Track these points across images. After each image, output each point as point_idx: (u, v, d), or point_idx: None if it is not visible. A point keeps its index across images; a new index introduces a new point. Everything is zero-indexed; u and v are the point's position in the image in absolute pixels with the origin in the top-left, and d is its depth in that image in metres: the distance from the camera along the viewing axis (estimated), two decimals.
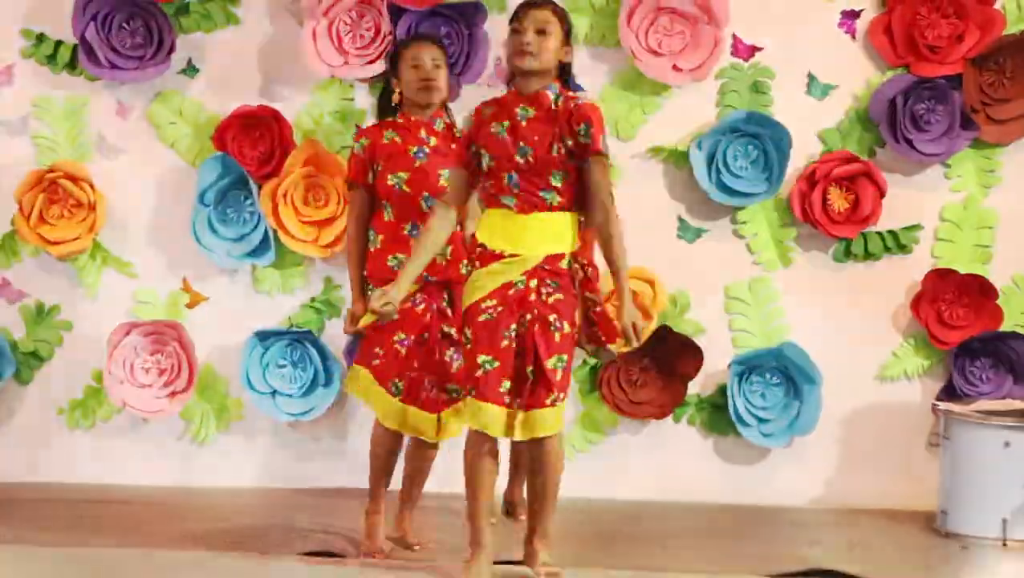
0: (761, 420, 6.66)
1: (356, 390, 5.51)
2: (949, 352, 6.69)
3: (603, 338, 5.14)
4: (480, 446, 5.05)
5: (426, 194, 5.43)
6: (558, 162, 5.03)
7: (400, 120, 5.55)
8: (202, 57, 6.71)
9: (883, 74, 6.68)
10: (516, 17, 5.07)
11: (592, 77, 6.71)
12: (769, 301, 6.74)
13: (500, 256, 5.03)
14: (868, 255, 6.73)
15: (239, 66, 6.70)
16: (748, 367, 6.64)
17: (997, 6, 6.60)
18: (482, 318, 5.00)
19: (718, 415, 6.72)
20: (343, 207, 6.63)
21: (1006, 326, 6.66)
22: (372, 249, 5.49)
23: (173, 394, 6.65)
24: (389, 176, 5.47)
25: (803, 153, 6.67)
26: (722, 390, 6.68)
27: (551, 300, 5.03)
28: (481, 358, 4.99)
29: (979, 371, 6.66)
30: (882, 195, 6.65)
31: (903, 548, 6.07)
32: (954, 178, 6.73)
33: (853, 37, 6.70)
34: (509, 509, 6.20)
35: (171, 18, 6.65)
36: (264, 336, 6.68)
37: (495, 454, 5.09)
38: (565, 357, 5.03)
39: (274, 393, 6.69)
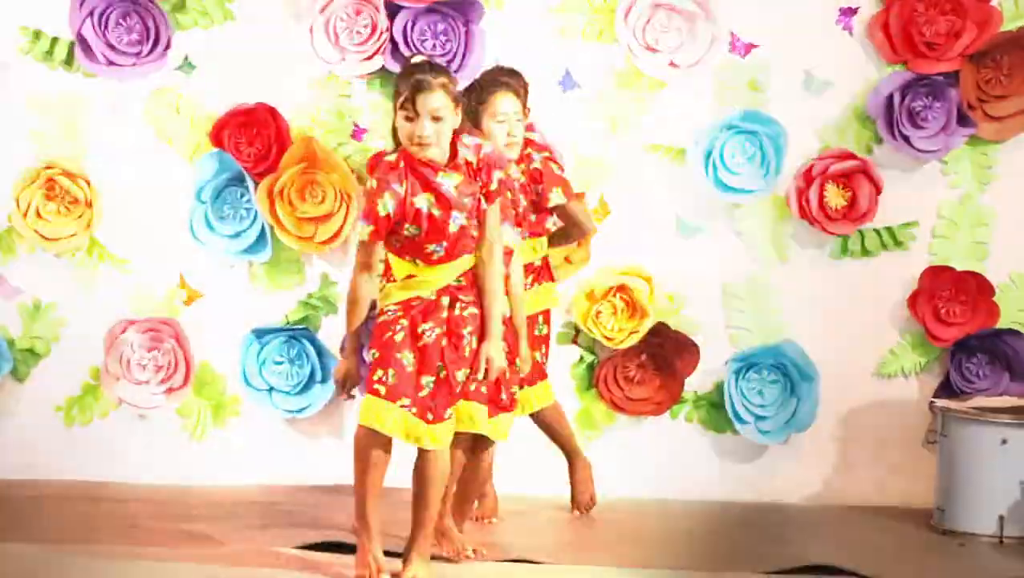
0: (758, 417, 6.66)
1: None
2: (946, 349, 6.69)
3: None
4: (375, 435, 5.05)
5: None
6: (477, 213, 5.06)
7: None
8: (199, 54, 6.70)
9: (880, 71, 6.68)
10: (407, 100, 4.94)
11: (589, 74, 6.71)
12: (766, 298, 6.73)
13: (413, 275, 5.07)
14: (865, 252, 6.73)
15: (236, 63, 6.70)
16: (745, 364, 6.64)
17: (994, 3, 6.60)
18: (381, 319, 5.06)
19: (715, 412, 6.72)
20: (340, 204, 6.63)
21: (1003, 323, 6.65)
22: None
23: (170, 391, 6.65)
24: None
25: (800, 150, 6.66)
26: (719, 387, 6.68)
27: (467, 313, 5.08)
28: (386, 357, 5.01)
29: (976, 368, 6.66)
30: (879, 192, 6.64)
31: (900, 545, 6.07)
32: (951, 175, 6.72)
33: (851, 34, 6.69)
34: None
35: (168, 15, 6.64)
36: (261, 333, 6.68)
37: (388, 448, 5.09)
38: (469, 372, 5.09)
39: (271, 390, 6.69)
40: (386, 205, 4.98)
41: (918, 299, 6.66)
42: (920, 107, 6.59)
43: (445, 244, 5.04)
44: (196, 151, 6.71)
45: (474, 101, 5.53)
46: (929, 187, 6.72)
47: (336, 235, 6.65)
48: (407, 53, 6.56)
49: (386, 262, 5.20)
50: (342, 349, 5.30)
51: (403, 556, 5.21)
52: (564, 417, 6.34)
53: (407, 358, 5.03)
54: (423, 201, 5.01)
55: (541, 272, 6.12)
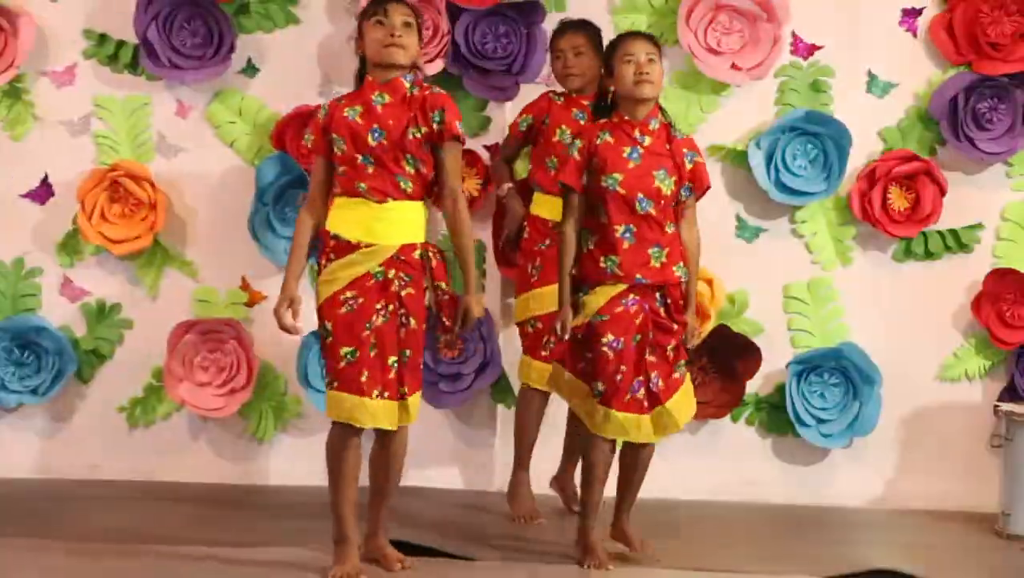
0: (820, 420, 6.63)
1: (556, 387, 5.55)
2: (1011, 353, 6.64)
3: (445, 323, 5.25)
4: (345, 439, 5.10)
5: (640, 196, 5.36)
6: (412, 147, 5.13)
7: (615, 120, 5.47)
8: (262, 57, 6.74)
9: (944, 72, 6.64)
10: (379, 7, 5.14)
11: None
12: (828, 301, 6.70)
13: (356, 246, 5.10)
14: (928, 254, 6.69)
15: (298, 66, 6.73)
16: (807, 367, 6.61)
17: None
18: (343, 310, 5.08)
19: (777, 415, 6.69)
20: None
21: None
22: (585, 250, 5.43)
23: (232, 392, 6.68)
24: (603, 177, 5.39)
25: (863, 152, 6.64)
26: (781, 390, 6.65)
27: (404, 293, 5.13)
28: (344, 350, 5.07)
29: None
30: (943, 194, 6.60)
31: (964, 550, 6.03)
32: (1016, 177, 6.68)
33: (914, 35, 6.66)
34: (566, 500, 6.22)
35: (231, 18, 6.68)
36: None
37: (359, 446, 5.14)
38: (408, 352, 5.14)
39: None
40: (323, 111, 5.22)
41: (982, 302, 6.61)
42: (985, 108, 6.54)
43: (371, 159, 5.11)
44: (258, 153, 6.74)
45: (608, 50, 5.53)
46: (993, 189, 6.67)
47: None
48: (468, 56, 6.58)
49: (323, 238, 5.18)
50: (284, 284, 5.24)
51: (370, 533, 5.26)
52: None
53: (371, 343, 5.08)
54: (351, 111, 5.16)
55: None
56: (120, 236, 6.69)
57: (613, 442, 5.46)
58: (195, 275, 6.81)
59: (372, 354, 5.09)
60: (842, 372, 6.61)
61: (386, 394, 5.11)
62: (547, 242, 6.08)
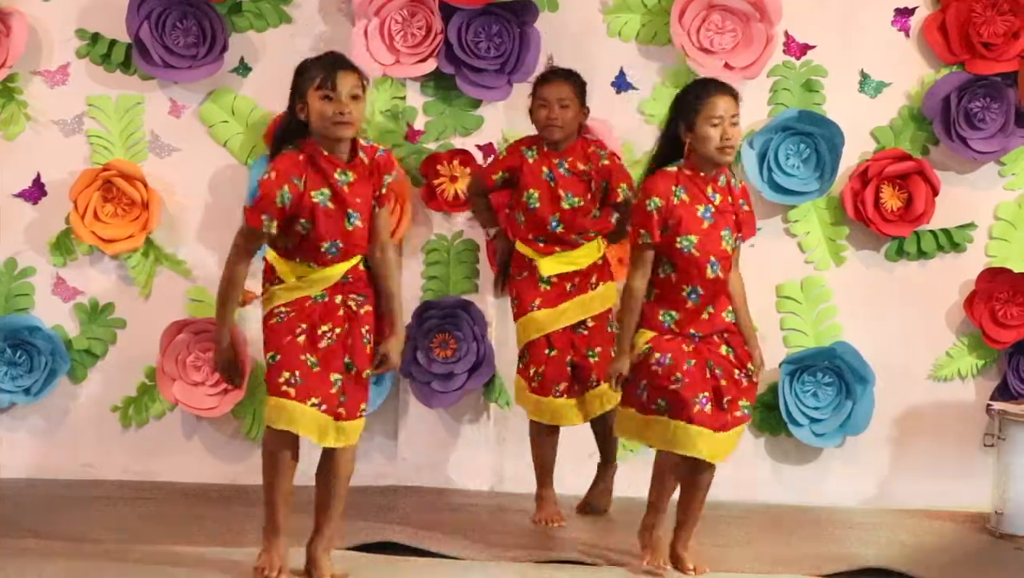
0: (813, 420, 6.63)
1: (625, 432, 5.47)
2: (1003, 352, 6.64)
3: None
4: (280, 441, 5.07)
5: (713, 259, 5.28)
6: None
7: (687, 172, 5.31)
8: (254, 56, 6.74)
9: (937, 72, 6.64)
10: (327, 79, 4.97)
11: (643, 75, 6.71)
12: (821, 300, 6.71)
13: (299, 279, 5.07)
14: (921, 254, 6.69)
15: (291, 65, 6.61)
16: (800, 366, 6.61)
17: None
18: (273, 321, 5.05)
19: (770, 415, 6.69)
20: (394, 205, 6.63)
21: None
22: (647, 299, 5.34)
23: (225, 392, 6.67)
24: (678, 238, 5.27)
25: (856, 151, 6.64)
26: (773, 390, 6.65)
27: (362, 311, 5.09)
28: (281, 358, 5.01)
29: None
30: (935, 193, 6.60)
31: (956, 549, 6.04)
32: (1009, 176, 6.69)
33: (907, 34, 6.66)
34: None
35: (224, 17, 6.68)
36: None
37: (295, 444, 5.10)
38: (369, 371, 5.12)
39: None
40: (283, 197, 4.98)
41: (975, 301, 6.62)
42: (977, 108, 6.55)
43: (340, 244, 5.03)
44: (251, 153, 6.74)
45: (689, 102, 5.31)
46: (986, 188, 6.68)
47: (391, 237, 6.65)
48: (461, 55, 6.58)
49: (266, 265, 5.15)
50: (215, 340, 5.19)
51: (311, 555, 5.19)
52: None
53: (310, 360, 5.03)
54: (320, 196, 5.01)
55: (603, 271, 6.15)
56: (113, 235, 6.69)
57: (684, 460, 5.35)
58: (188, 274, 6.80)
59: (315, 370, 5.02)
60: (835, 371, 6.61)
61: (323, 408, 5.03)
62: (524, 274, 6.13)
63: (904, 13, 6.66)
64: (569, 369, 6.12)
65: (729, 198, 5.36)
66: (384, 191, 5.12)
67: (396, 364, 5.17)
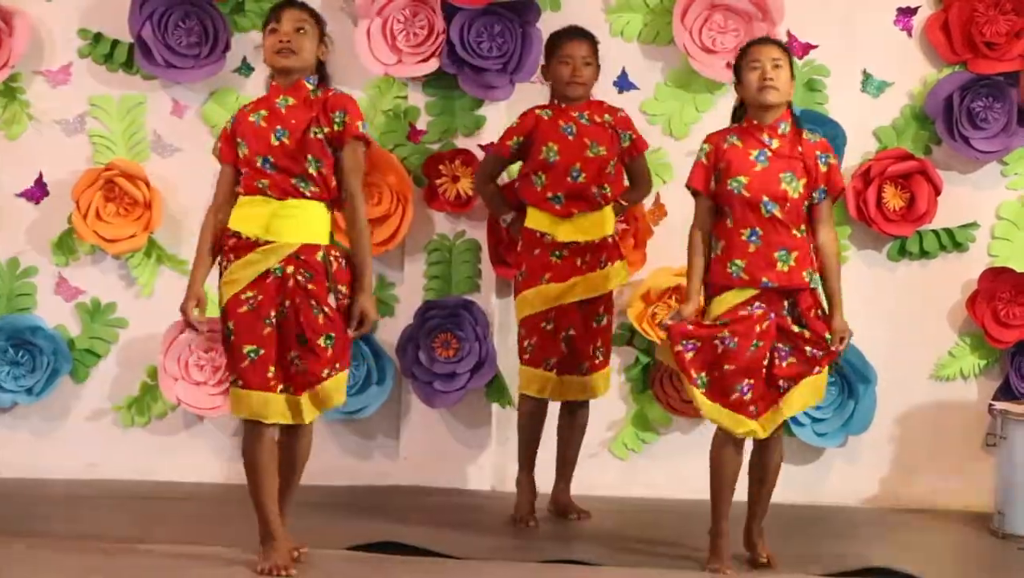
0: (815, 419, 6.63)
1: (663, 356, 5.51)
2: (1006, 351, 6.64)
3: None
4: (258, 437, 5.11)
5: (766, 198, 5.32)
6: (314, 147, 5.13)
7: (744, 124, 5.44)
8: (257, 56, 6.72)
9: (939, 71, 6.64)
10: (273, 16, 5.19)
11: (645, 75, 6.71)
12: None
13: (255, 244, 5.11)
14: (923, 253, 6.69)
15: None
16: None
17: None
18: (243, 309, 5.09)
19: None
20: (396, 205, 6.65)
21: None
22: (713, 256, 5.39)
23: (227, 391, 6.64)
24: (729, 181, 5.35)
25: (858, 151, 6.64)
26: None
27: (309, 287, 5.12)
28: (247, 348, 5.07)
29: None
30: (938, 193, 6.60)
31: (958, 549, 6.04)
32: (1011, 176, 6.68)
33: (909, 34, 6.66)
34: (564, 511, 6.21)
35: (226, 17, 6.69)
36: None
37: (272, 440, 5.14)
38: (333, 335, 5.13)
39: None
40: (230, 121, 5.25)
41: (977, 301, 6.61)
42: (980, 108, 6.54)
43: (271, 159, 5.11)
44: None
45: (737, 59, 5.47)
46: (989, 188, 6.68)
47: (393, 237, 6.66)
48: (464, 55, 6.58)
49: (224, 232, 5.18)
50: (190, 283, 5.27)
51: (264, 540, 5.21)
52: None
53: (272, 339, 5.08)
54: (256, 116, 5.18)
55: (613, 250, 6.16)
56: (115, 235, 6.70)
57: (739, 445, 5.40)
58: (190, 274, 6.79)
59: (262, 352, 5.08)
60: (837, 371, 6.61)
61: (291, 389, 5.11)
62: (536, 252, 6.10)
63: (906, 12, 6.66)
64: (563, 345, 6.09)
65: (799, 148, 5.38)
66: (338, 128, 5.16)
67: (373, 317, 5.20)
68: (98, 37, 6.76)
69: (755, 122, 5.40)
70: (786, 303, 5.36)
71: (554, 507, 6.27)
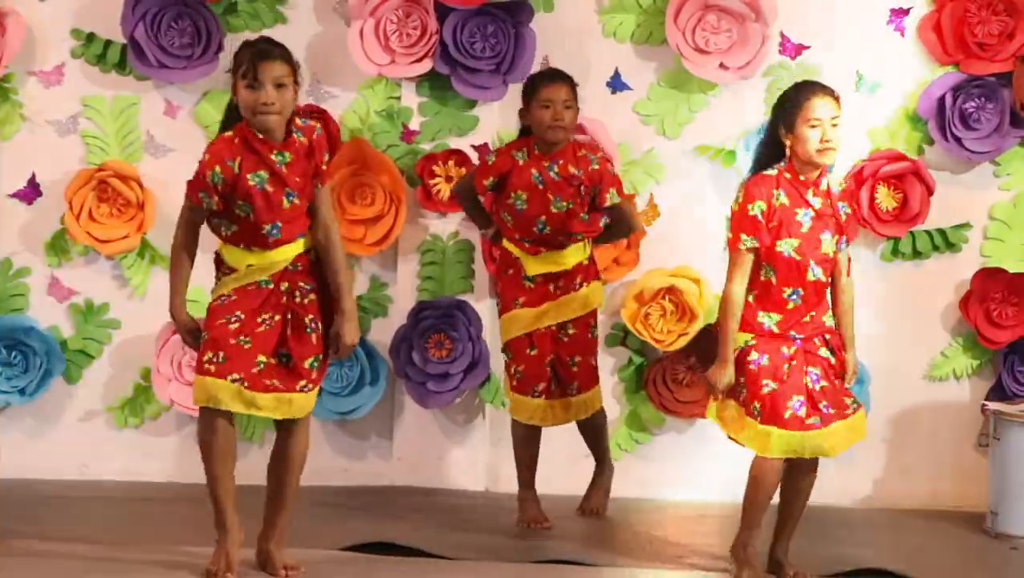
0: None
1: (719, 421, 5.45)
2: (998, 352, 6.65)
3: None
4: (210, 422, 5.08)
5: (813, 262, 5.27)
6: (312, 193, 5.12)
7: (787, 176, 5.29)
8: None
9: (932, 72, 6.65)
10: (249, 68, 5.00)
11: (639, 76, 6.71)
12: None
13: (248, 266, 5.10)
14: (916, 254, 6.70)
15: None
16: None
17: None
18: (217, 303, 5.10)
19: None
20: (389, 206, 6.64)
21: None
22: (747, 300, 5.30)
23: None
24: (779, 242, 5.26)
25: (851, 152, 6.63)
26: None
27: (307, 301, 5.10)
28: (208, 349, 5.04)
29: None
30: (930, 193, 6.61)
31: (952, 549, 6.04)
32: (1003, 176, 6.69)
33: (902, 35, 6.67)
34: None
35: (219, 17, 6.68)
36: None
37: (227, 429, 5.11)
38: (320, 357, 5.13)
39: (321, 392, 6.67)
40: (215, 177, 5.05)
41: (970, 301, 6.62)
42: (972, 108, 6.55)
43: (280, 224, 5.06)
44: None
45: (789, 104, 5.30)
46: (981, 188, 6.69)
47: (386, 237, 6.66)
48: (457, 55, 6.58)
49: (217, 257, 5.19)
50: (177, 317, 5.22)
51: (262, 549, 5.22)
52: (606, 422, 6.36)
53: (241, 340, 5.05)
54: (256, 179, 5.05)
55: (589, 271, 6.15)
56: (108, 236, 6.69)
57: (782, 463, 5.34)
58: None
59: (244, 348, 5.04)
60: None
61: (245, 384, 5.03)
62: (509, 271, 6.12)
63: (899, 13, 6.67)
64: (549, 370, 6.11)
65: (829, 201, 5.33)
66: (324, 167, 5.14)
67: (350, 344, 5.16)
68: (91, 37, 6.75)
69: (801, 178, 5.28)
70: (815, 339, 5.34)
71: (586, 510, 6.29)
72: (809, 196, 5.30)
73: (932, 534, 6.24)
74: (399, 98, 6.75)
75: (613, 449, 6.69)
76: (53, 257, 6.79)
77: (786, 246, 5.25)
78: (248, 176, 5.05)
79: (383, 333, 6.73)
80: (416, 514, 6.21)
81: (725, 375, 5.29)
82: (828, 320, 5.37)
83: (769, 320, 5.30)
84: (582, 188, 6.05)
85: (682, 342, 6.60)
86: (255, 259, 5.11)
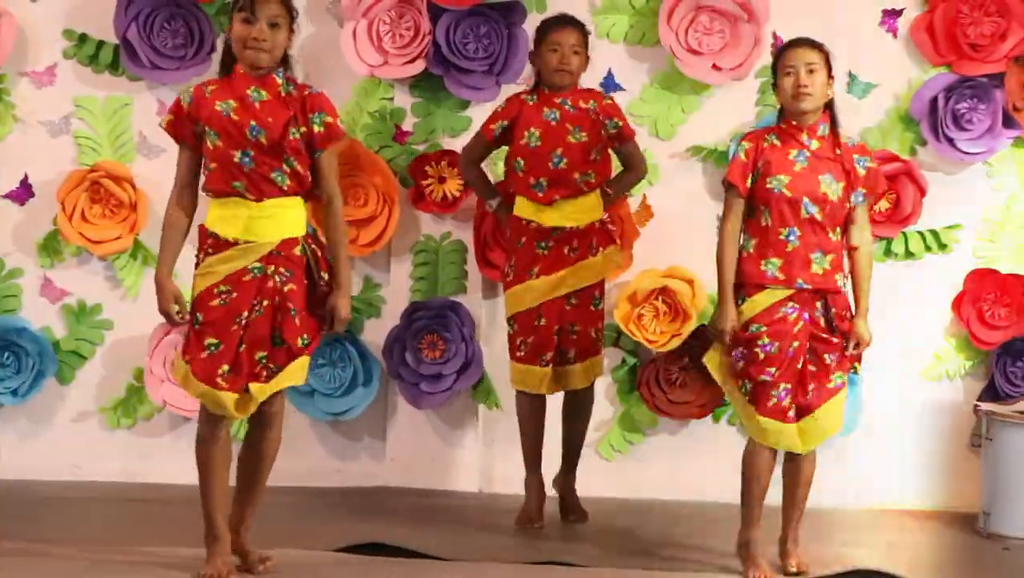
0: None
1: (711, 368, 5.49)
2: (991, 352, 6.65)
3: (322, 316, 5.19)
4: (211, 432, 5.09)
5: (806, 199, 5.30)
6: (291, 147, 5.07)
7: (782, 125, 5.41)
8: None
9: (924, 73, 6.65)
10: (249, 5, 5.03)
11: (632, 76, 6.72)
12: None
13: (234, 244, 5.06)
14: (909, 255, 6.70)
15: None
16: None
17: None
18: (215, 303, 5.04)
19: None
20: (382, 207, 6.64)
21: None
22: (745, 254, 5.37)
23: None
24: (769, 179, 5.32)
25: None
26: None
27: (286, 289, 5.08)
28: (208, 341, 5.02)
29: (1021, 372, 6.62)
30: (923, 194, 6.62)
31: (944, 549, 6.05)
32: (996, 177, 6.70)
33: (894, 36, 6.67)
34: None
35: (212, 18, 6.68)
36: None
37: (226, 441, 5.13)
38: (307, 336, 5.11)
39: (313, 392, 6.69)
40: (186, 97, 5.08)
41: (962, 302, 6.63)
42: (965, 109, 6.56)
43: (252, 153, 5.02)
44: None
45: (773, 61, 5.46)
46: (974, 189, 6.70)
47: (379, 238, 6.66)
48: (450, 56, 6.58)
49: (201, 231, 5.14)
50: (160, 284, 5.17)
51: (232, 530, 5.20)
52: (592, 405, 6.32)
53: (236, 338, 5.03)
54: (224, 105, 5.06)
55: (603, 234, 6.11)
56: (101, 237, 6.69)
57: (772, 452, 5.38)
58: (176, 275, 6.75)
59: (240, 350, 5.04)
60: None
61: (258, 377, 5.06)
62: (522, 240, 6.06)
63: (892, 14, 6.67)
64: (556, 337, 6.07)
65: (837, 150, 5.37)
66: (319, 130, 5.10)
67: (345, 317, 5.14)
68: (83, 38, 6.74)
69: (793, 123, 5.38)
70: (819, 305, 5.35)
71: (560, 502, 6.24)
72: (804, 138, 5.36)
73: (924, 535, 6.25)
74: (392, 99, 6.75)
75: (606, 450, 6.70)
76: (46, 258, 6.78)
77: (775, 183, 5.31)
78: (216, 102, 5.06)
79: (376, 334, 6.73)
80: (409, 515, 6.21)
81: (726, 319, 5.31)
82: (839, 279, 5.36)
83: (771, 267, 5.31)
84: (598, 118, 6.04)
85: (675, 343, 6.60)
86: (246, 227, 5.04)
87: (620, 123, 6.12)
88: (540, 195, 6.02)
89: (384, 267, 6.80)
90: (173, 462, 6.73)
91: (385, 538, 5.71)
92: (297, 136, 5.08)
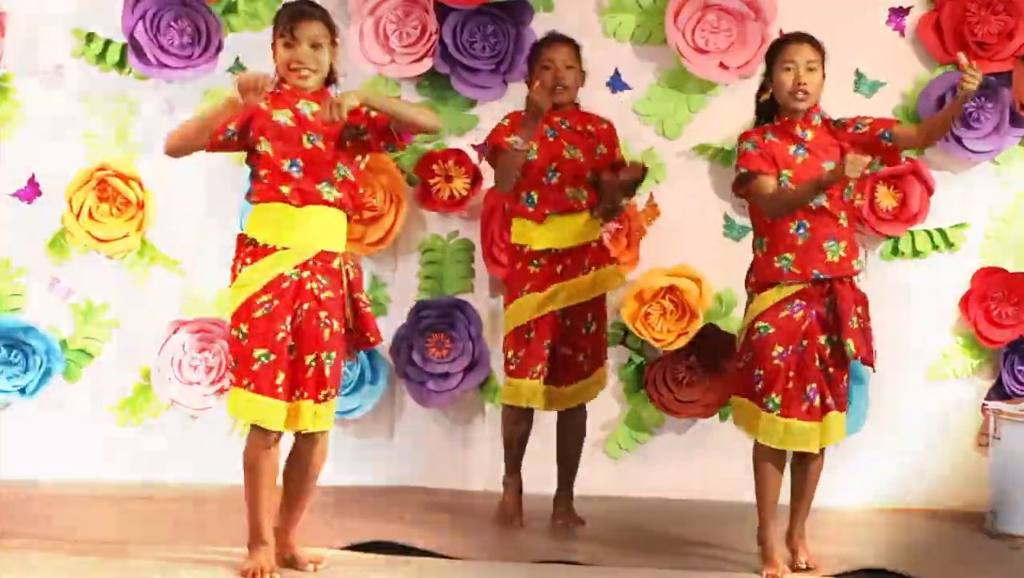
0: None
1: (737, 420, 5.53)
2: (998, 351, 6.65)
3: (368, 339, 5.22)
4: (263, 444, 5.08)
5: None
6: (346, 156, 5.10)
7: (777, 123, 5.43)
8: (249, 56, 6.72)
9: (932, 71, 6.65)
10: (287, 27, 5.06)
11: (638, 75, 6.72)
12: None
13: (272, 251, 5.05)
14: (916, 253, 6.70)
15: None
16: None
17: None
18: (258, 313, 5.02)
19: None
20: (389, 205, 6.65)
21: None
22: (759, 253, 5.41)
23: (221, 391, 6.68)
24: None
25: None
26: None
27: (323, 296, 5.08)
28: (258, 352, 5.01)
29: None
30: (930, 193, 6.61)
31: (952, 548, 6.04)
32: (1003, 175, 6.69)
33: (902, 34, 6.67)
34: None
35: (219, 17, 6.69)
36: None
37: (277, 453, 5.12)
38: (334, 354, 5.09)
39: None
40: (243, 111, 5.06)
41: (970, 301, 6.63)
42: (972, 107, 6.56)
43: (301, 162, 5.04)
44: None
45: (770, 52, 5.49)
46: (981, 188, 6.69)
47: (385, 237, 6.67)
48: (456, 55, 6.58)
49: (238, 242, 5.14)
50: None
51: (280, 531, 5.24)
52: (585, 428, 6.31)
53: (285, 345, 5.02)
54: (281, 115, 5.08)
55: (597, 254, 6.11)
56: (108, 235, 6.70)
57: (783, 453, 5.42)
58: (183, 274, 6.80)
59: (291, 357, 5.05)
60: None
61: (305, 394, 5.06)
62: (518, 266, 6.08)
63: (899, 12, 6.67)
64: (547, 352, 6.07)
65: (828, 132, 5.38)
66: (376, 115, 5.11)
67: (339, 101, 4.99)
68: (91, 37, 6.75)
69: (787, 118, 5.39)
70: (827, 300, 5.34)
71: (557, 518, 6.22)
72: (798, 131, 5.38)
73: (931, 534, 6.24)
74: (399, 97, 6.75)
75: (613, 448, 6.70)
76: (53, 257, 6.79)
77: (782, 177, 5.32)
78: (274, 112, 5.08)
79: (383, 332, 6.69)
80: (415, 513, 6.22)
81: (832, 178, 5.20)
82: (857, 265, 5.37)
83: (785, 263, 5.32)
84: (594, 140, 6.05)
85: (682, 342, 6.61)
86: (286, 232, 5.03)
87: (606, 149, 6.10)
88: (531, 210, 6.03)
89: (391, 266, 6.80)
90: (181, 461, 6.75)
91: (391, 537, 5.72)
92: (356, 134, 5.10)
